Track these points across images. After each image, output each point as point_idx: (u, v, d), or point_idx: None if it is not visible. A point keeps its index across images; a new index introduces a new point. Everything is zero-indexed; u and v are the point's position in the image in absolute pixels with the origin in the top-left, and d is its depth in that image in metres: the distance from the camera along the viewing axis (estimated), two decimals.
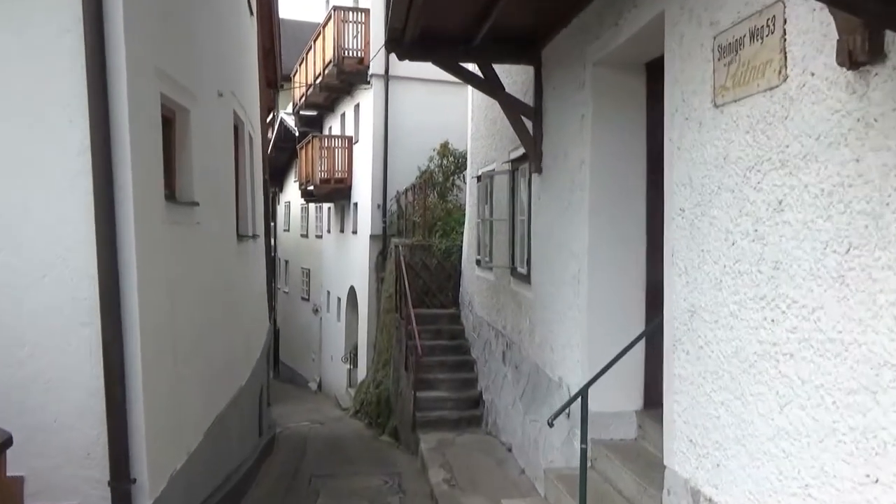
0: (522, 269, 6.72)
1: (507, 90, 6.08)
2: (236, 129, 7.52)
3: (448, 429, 8.66)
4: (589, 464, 4.34)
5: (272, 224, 16.15)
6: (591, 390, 4.13)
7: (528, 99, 6.14)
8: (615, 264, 4.73)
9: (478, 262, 9.43)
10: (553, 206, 5.63)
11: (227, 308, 6.25)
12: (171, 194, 4.69)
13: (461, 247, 11.14)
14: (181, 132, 4.94)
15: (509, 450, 7.45)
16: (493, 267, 8.21)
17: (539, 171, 5.96)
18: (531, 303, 6.40)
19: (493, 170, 7.87)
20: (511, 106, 5.97)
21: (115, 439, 3.57)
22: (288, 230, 27.89)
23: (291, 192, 26.37)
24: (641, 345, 4.48)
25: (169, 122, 4.73)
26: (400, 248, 10.80)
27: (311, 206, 23.89)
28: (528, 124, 5.95)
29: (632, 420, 4.80)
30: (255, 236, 9.02)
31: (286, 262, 28.02)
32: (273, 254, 30.45)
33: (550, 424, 4.14)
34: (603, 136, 4.74)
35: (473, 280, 9.75)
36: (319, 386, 21.85)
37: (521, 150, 6.42)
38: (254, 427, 8.17)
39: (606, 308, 4.74)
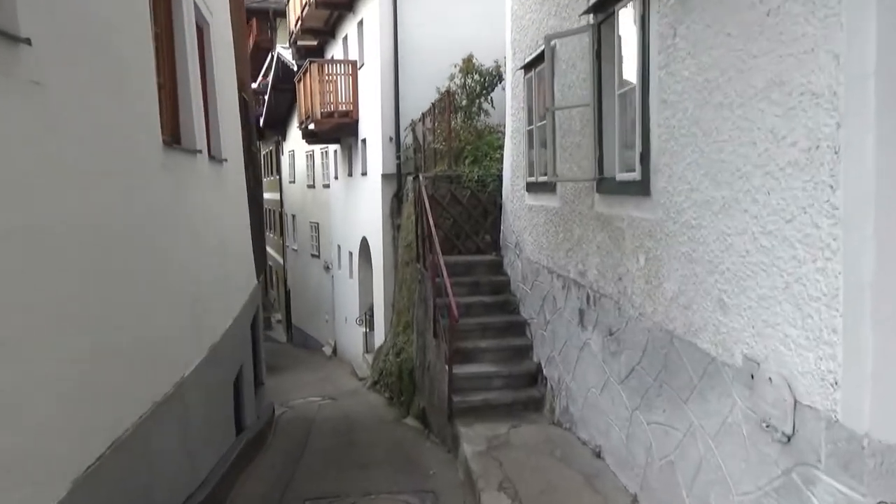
0: (629, 176, 4.12)
1: None
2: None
3: (498, 418, 6.23)
4: None
5: (256, 153, 13.62)
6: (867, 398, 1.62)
7: None
8: None
9: (529, 188, 6.83)
10: (730, 29, 3.01)
11: (148, 260, 3.78)
12: None
13: (499, 176, 8.54)
14: None
15: (597, 454, 4.99)
16: (559, 184, 5.63)
17: None
18: (651, 229, 3.84)
19: (560, 33, 5.19)
20: None
21: None
22: (293, 181, 25.39)
23: (295, 140, 23.77)
24: None
25: None
26: (421, 178, 8.22)
27: (317, 151, 21.30)
28: None
29: None
30: (221, 160, 6.49)
31: (293, 216, 25.60)
32: (281, 209, 28.19)
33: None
34: None
35: (522, 213, 7.18)
36: (334, 351, 19.62)
37: None
38: (225, 426, 5.79)
39: None
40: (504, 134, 10.14)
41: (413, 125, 12.73)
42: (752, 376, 2.77)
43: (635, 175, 3.92)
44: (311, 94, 15.53)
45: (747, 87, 2.83)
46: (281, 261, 28.34)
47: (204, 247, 5.04)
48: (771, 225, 2.68)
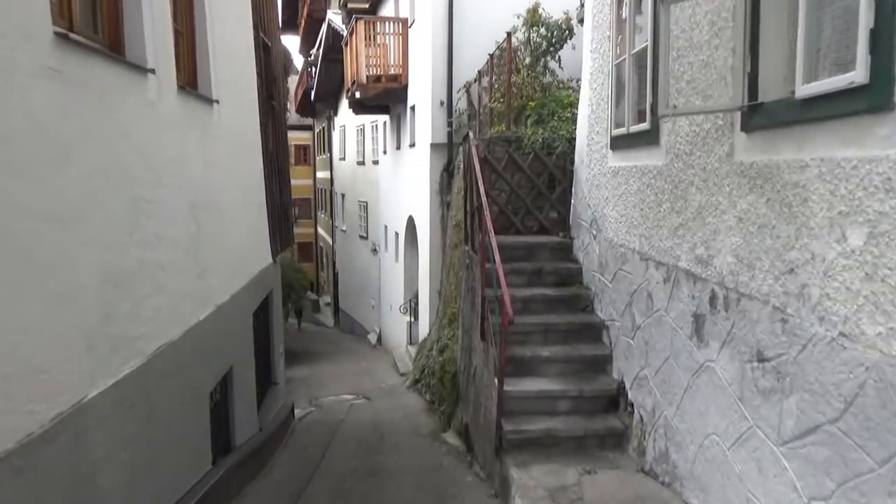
0: (830, 85, 2.28)
1: None
2: None
3: (565, 457, 4.53)
4: None
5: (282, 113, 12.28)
6: None
7: None
8: None
9: (615, 144, 5.05)
10: None
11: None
12: None
13: (570, 139, 6.75)
14: None
15: None
16: (666, 132, 3.85)
17: None
18: (888, 179, 2.04)
19: None
20: None
21: None
22: (344, 158, 24.06)
23: (346, 115, 22.38)
24: None
25: None
26: (471, 136, 6.50)
27: (367, 125, 19.86)
28: None
29: None
30: (209, 99, 4.98)
31: (342, 195, 24.29)
32: (331, 187, 26.86)
33: None
34: None
35: (603, 180, 5.40)
36: (379, 339, 18.22)
37: None
38: (191, 454, 4.28)
39: None
40: (577, 90, 8.32)
41: (467, 86, 11.01)
42: None
43: (853, 79, 2.10)
44: (356, 56, 14.00)
45: None
46: (331, 242, 27.19)
47: (143, 204, 3.49)
48: None
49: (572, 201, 6.37)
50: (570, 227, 6.41)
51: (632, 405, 4.66)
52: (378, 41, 13.84)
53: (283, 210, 8.46)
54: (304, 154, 33.59)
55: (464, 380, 7.17)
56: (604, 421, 4.81)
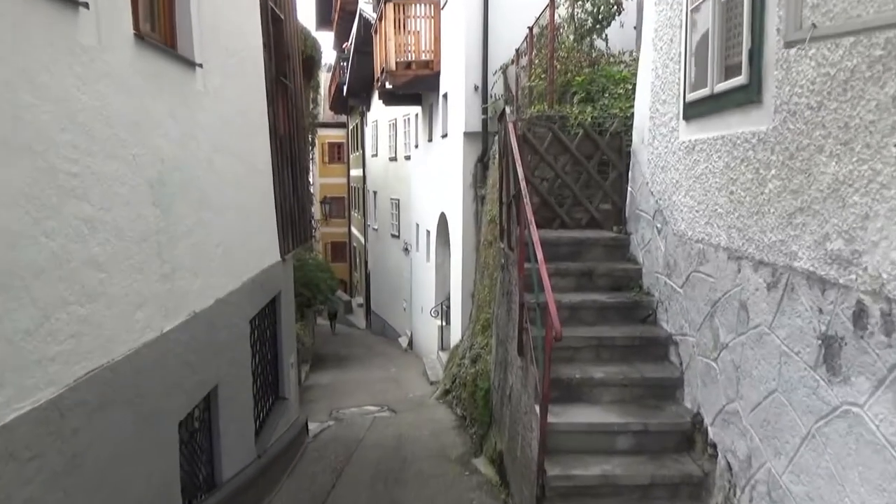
0: None
1: None
2: None
3: None
4: None
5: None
6: None
7: None
8: None
9: (689, 113, 3.99)
10: None
11: None
12: None
13: (624, 119, 5.70)
14: None
15: None
16: (776, 85, 2.79)
17: None
18: None
19: None
20: None
21: None
22: (376, 155, 23.25)
23: (378, 109, 21.58)
24: None
25: None
26: (508, 112, 5.49)
27: (400, 119, 19.01)
28: None
29: None
30: (190, 62, 4.10)
31: (374, 193, 23.48)
32: (363, 185, 26.04)
33: None
34: None
35: (672, 159, 4.34)
36: (410, 343, 17.31)
37: None
38: (164, 495, 3.39)
39: None
40: (631, 64, 7.25)
41: (504, 68, 10.01)
42: None
43: None
44: (385, 42, 13.12)
45: None
46: (363, 241, 26.44)
47: (64, 178, 2.60)
48: None
49: (629, 189, 5.31)
50: (626, 220, 5.36)
51: (714, 447, 3.60)
52: (409, 27, 12.95)
53: (297, 202, 7.59)
54: (339, 152, 32.91)
55: (497, 399, 6.18)
56: (676, 465, 3.76)
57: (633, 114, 5.62)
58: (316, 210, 25.25)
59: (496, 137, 9.37)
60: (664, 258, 4.50)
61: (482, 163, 10.78)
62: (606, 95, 6.53)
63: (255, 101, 5.91)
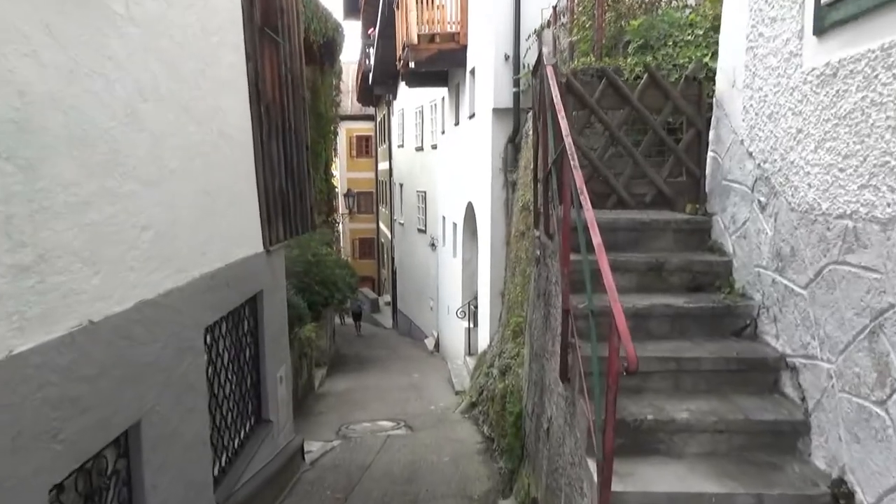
0: None
1: None
2: None
3: None
4: None
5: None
6: None
7: None
8: None
9: (836, 13, 2.60)
10: None
11: None
12: None
13: (699, 67, 4.30)
14: None
15: None
16: None
17: None
18: None
19: None
20: None
21: None
22: (402, 145, 22.04)
23: (404, 97, 20.38)
24: None
25: None
26: (545, 55, 4.13)
27: (426, 105, 17.74)
28: None
29: None
30: None
31: (401, 185, 22.27)
32: (390, 177, 24.81)
33: None
34: None
35: (793, 100, 2.97)
36: (437, 346, 16.05)
37: None
38: None
39: None
40: (696, 8, 5.84)
41: (540, 31, 8.64)
42: None
43: None
44: (406, 14, 11.86)
45: None
46: (390, 236, 25.27)
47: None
48: None
49: (711, 152, 3.92)
50: (706, 196, 3.97)
51: None
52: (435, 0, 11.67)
53: (293, 183, 6.37)
54: (367, 145, 31.79)
55: (531, 428, 4.86)
56: None
57: (705, 63, 4.25)
58: (339, 203, 24.16)
59: (528, 115, 8.05)
60: (772, 245, 3.12)
61: (513, 143, 9.44)
62: (671, 43, 5.15)
63: (225, 51, 4.69)
